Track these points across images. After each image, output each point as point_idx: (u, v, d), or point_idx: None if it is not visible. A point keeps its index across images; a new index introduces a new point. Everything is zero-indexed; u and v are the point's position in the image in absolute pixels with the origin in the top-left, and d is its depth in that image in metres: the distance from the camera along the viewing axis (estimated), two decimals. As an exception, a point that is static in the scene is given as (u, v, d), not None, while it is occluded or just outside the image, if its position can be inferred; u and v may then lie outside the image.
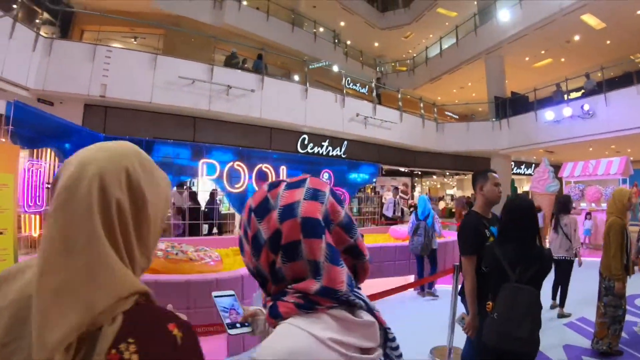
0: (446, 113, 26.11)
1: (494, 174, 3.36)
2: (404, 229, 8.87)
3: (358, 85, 18.75)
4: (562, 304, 6.29)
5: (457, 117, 27.50)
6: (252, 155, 9.08)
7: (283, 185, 0.95)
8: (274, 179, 8.83)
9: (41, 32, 9.47)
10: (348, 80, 18.11)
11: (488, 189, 3.31)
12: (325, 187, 0.97)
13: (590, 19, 15.54)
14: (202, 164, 8.04)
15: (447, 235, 9.20)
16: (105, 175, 0.77)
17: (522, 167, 22.43)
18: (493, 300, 2.71)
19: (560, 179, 14.45)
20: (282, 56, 18.05)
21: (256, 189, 8.35)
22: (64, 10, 12.47)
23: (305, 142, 14.50)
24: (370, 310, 0.89)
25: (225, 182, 8.20)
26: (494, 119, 18.29)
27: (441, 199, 30.84)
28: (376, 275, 7.11)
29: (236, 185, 8.33)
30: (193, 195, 10.32)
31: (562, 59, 19.22)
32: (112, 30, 16.96)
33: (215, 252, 5.60)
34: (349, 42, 24.92)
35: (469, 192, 27.42)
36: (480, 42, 19.01)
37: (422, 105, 18.73)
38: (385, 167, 19.56)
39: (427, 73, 23.60)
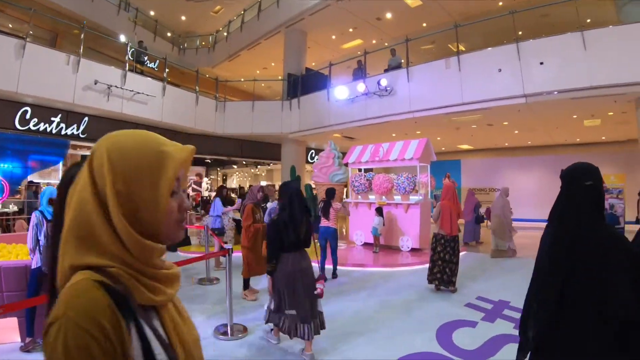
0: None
1: None
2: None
3: (146, 59, 14.83)
4: None
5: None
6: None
7: None
8: None
9: None
10: (133, 53, 14.13)
11: None
12: None
13: (404, -7, 13.54)
14: None
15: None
16: None
17: (324, 156, 19.16)
18: None
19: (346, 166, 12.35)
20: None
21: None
22: None
23: (27, 116, 11.08)
24: None
25: None
26: (284, 99, 15.83)
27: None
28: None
29: None
30: None
31: (374, 41, 17.35)
32: None
33: None
34: (152, 13, 21.42)
35: (279, 182, 24.26)
36: (281, 13, 16.39)
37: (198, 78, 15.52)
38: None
39: (226, 50, 20.69)
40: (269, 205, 8.71)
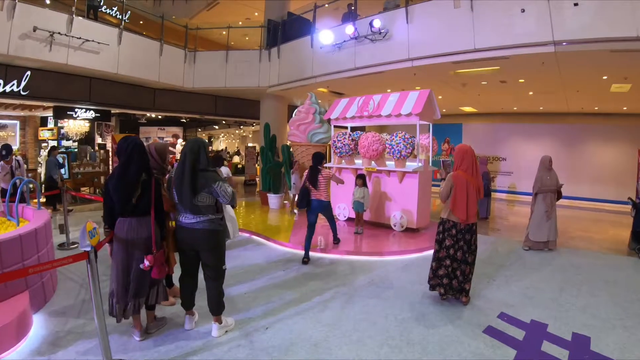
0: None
1: None
2: None
3: (115, 9, 12.37)
4: None
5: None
6: None
7: None
8: None
9: None
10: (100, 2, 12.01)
11: None
12: None
13: None
14: None
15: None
16: None
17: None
18: None
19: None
20: None
21: None
22: None
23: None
24: None
25: None
26: (264, 48, 13.41)
27: (237, 153, 24.91)
28: None
29: None
30: None
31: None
32: None
33: None
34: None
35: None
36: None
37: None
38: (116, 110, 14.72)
39: None
40: (223, 170, 6.46)
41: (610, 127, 14.52)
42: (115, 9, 12.10)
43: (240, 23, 18.91)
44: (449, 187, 4.41)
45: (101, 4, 11.84)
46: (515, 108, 15.23)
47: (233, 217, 3.88)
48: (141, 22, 16.26)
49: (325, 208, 6.38)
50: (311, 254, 6.35)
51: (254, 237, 7.70)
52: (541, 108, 14.76)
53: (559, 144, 15.15)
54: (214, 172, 3.57)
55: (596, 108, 13.97)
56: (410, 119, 7.71)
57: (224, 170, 6.47)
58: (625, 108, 13.47)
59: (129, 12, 12.55)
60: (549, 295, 5.02)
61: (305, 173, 6.40)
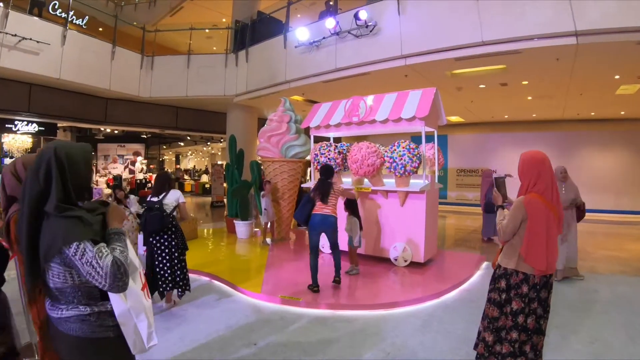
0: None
1: None
2: None
3: (72, 13, 10.54)
4: None
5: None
6: None
7: None
8: None
9: None
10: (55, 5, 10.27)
11: None
12: None
13: None
14: None
15: None
16: None
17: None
18: None
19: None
20: None
21: None
22: None
23: None
24: None
25: None
26: (230, 52, 11.88)
27: (206, 172, 23.17)
28: None
29: None
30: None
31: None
32: None
33: None
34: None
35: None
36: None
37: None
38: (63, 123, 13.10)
39: (168, 2, 16.74)
40: (170, 197, 4.67)
41: (606, 132, 13.64)
42: (72, 12, 10.45)
43: (207, 31, 17.43)
44: (519, 220, 2.73)
45: (56, 6, 10.17)
46: (506, 116, 14.02)
47: (138, 306, 1.61)
48: (100, 29, 14.70)
49: (331, 225, 5.26)
50: (290, 309, 4.72)
51: (215, 282, 5.81)
52: (534, 115, 13.59)
53: (553, 152, 13.94)
54: (75, 219, 1.58)
55: (593, 113, 12.93)
56: (413, 124, 6.06)
57: (174, 195, 4.69)
58: (623, 112, 12.48)
59: (87, 17, 10.86)
60: (621, 349, 3.67)
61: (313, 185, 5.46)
